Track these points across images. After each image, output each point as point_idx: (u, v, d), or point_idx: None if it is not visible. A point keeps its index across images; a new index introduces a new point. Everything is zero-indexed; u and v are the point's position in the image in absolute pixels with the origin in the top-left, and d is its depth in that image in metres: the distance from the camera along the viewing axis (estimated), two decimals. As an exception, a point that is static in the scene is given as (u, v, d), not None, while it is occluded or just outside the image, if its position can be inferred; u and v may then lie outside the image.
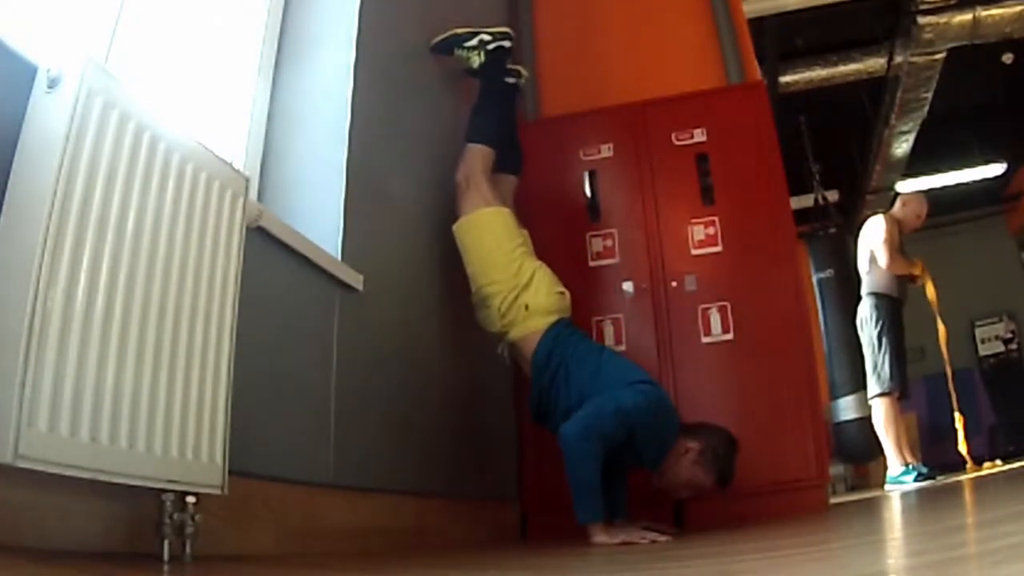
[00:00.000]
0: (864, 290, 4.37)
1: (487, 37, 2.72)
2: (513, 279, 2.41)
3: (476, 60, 2.72)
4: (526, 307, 2.38)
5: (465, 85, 2.86)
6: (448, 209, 2.57)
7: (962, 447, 4.38)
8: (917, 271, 4.29)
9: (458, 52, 2.73)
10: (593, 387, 2.21)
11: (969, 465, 4.38)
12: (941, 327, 4.38)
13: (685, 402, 2.70)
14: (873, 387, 4.23)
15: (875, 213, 4.63)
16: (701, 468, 2.19)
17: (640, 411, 2.11)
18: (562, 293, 2.47)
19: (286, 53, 2.18)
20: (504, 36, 2.75)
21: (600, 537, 1.95)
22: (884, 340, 4.18)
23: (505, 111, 2.79)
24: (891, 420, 4.12)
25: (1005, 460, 5.48)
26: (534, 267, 2.46)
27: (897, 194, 5.36)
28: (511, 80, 2.80)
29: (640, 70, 3.61)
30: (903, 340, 4.23)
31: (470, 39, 2.71)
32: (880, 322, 4.21)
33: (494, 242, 2.47)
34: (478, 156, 2.57)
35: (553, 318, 2.40)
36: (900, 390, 4.15)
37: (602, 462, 2.05)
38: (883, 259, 4.19)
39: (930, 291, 4.36)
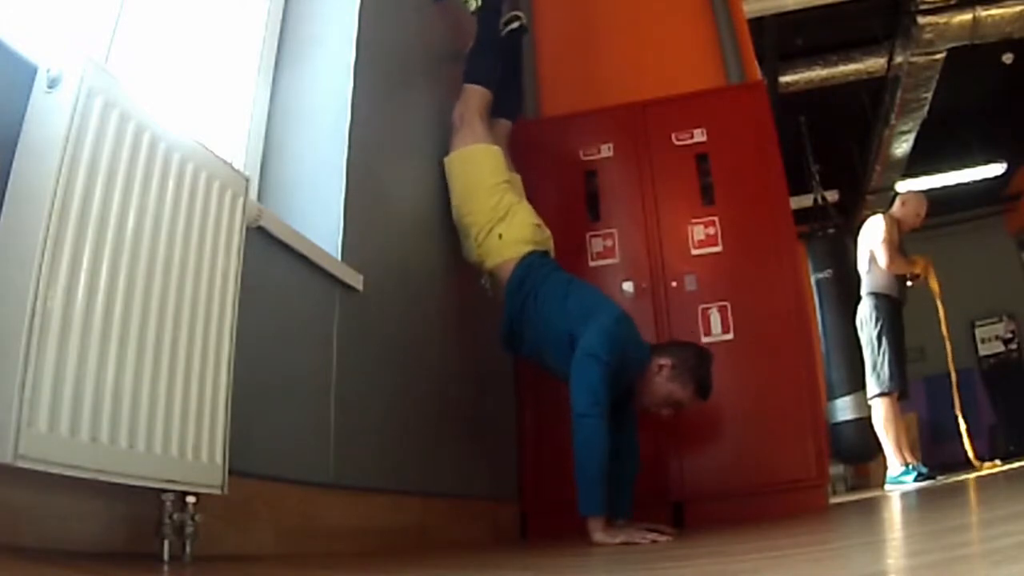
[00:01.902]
0: (864, 290, 4.37)
1: None
2: (491, 211, 2.49)
3: (473, 4, 2.83)
4: (500, 236, 2.46)
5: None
6: (448, 208, 2.58)
7: (968, 448, 4.38)
8: (917, 270, 4.29)
9: None
10: (558, 319, 2.29)
11: (976, 464, 4.37)
12: (941, 311, 4.37)
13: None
14: (873, 387, 4.23)
15: (875, 213, 4.62)
16: (677, 383, 2.24)
17: (612, 351, 2.14)
18: (539, 226, 2.55)
19: (286, 53, 2.18)
20: None
21: (600, 536, 1.95)
22: (884, 340, 4.18)
23: (502, 56, 2.86)
24: (891, 420, 4.12)
25: (1005, 460, 5.48)
26: (513, 202, 2.54)
27: (897, 194, 5.36)
28: (513, 26, 2.90)
29: (640, 70, 3.61)
30: (903, 340, 4.23)
31: None
32: (880, 322, 4.21)
33: (479, 176, 2.55)
34: (474, 96, 2.67)
35: (528, 247, 2.47)
36: (900, 390, 4.15)
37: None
38: (883, 259, 4.18)
39: (933, 282, 4.35)
